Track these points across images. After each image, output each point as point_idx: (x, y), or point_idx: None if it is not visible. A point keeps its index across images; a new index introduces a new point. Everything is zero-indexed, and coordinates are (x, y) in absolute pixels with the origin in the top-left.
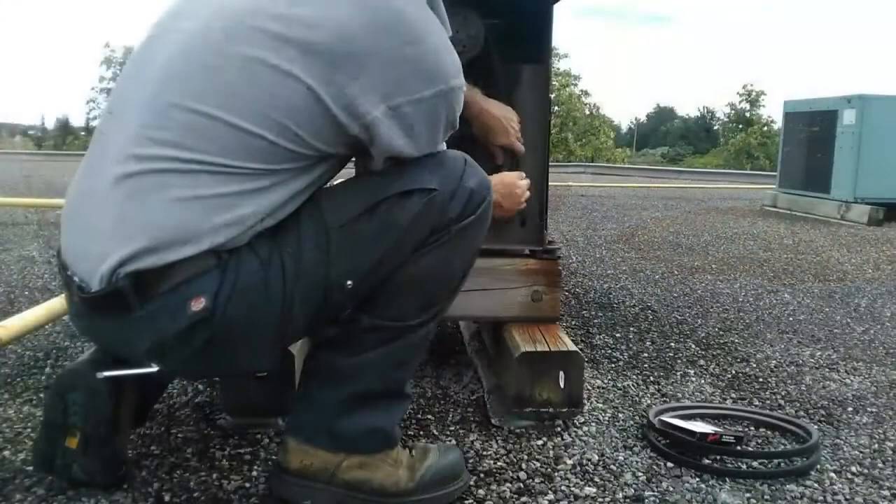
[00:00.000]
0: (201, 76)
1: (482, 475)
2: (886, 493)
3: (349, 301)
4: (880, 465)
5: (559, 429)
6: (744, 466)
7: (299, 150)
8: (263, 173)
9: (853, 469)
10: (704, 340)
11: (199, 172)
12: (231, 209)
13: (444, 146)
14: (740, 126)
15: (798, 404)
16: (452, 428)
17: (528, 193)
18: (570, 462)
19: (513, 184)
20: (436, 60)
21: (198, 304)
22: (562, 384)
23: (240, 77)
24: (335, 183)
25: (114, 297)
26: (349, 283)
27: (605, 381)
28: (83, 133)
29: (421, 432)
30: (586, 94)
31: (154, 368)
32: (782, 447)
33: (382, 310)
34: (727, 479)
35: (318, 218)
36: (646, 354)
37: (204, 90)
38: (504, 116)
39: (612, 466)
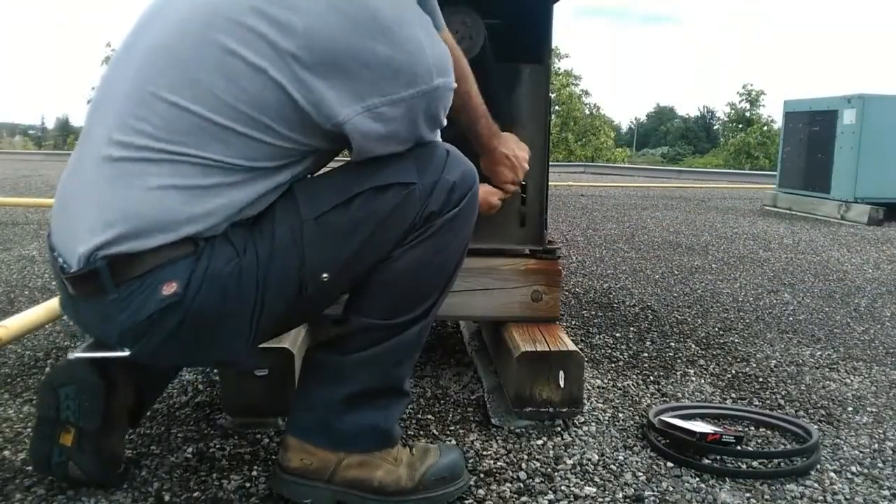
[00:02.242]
0: (177, 67)
1: (482, 475)
2: (886, 492)
3: (328, 295)
4: (880, 465)
5: (559, 429)
6: (744, 466)
7: (279, 144)
8: (243, 168)
9: (853, 469)
10: (704, 340)
11: (178, 163)
12: (209, 199)
13: (437, 137)
14: (740, 126)
15: (798, 404)
16: (452, 428)
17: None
18: (570, 462)
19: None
20: (416, 59)
21: (169, 289)
22: (562, 384)
23: (214, 71)
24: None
25: (91, 279)
26: (325, 275)
27: (605, 380)
28: None
29: (421, 432)
30: (586, 94)
31: (126, 353)
32: (782, 447)
33: (371, 308)
34: (727, 479)
35: (293, 209)
36: (646, 354)
37: (180, 82)
38: (514, 155)
39: (612, 466)
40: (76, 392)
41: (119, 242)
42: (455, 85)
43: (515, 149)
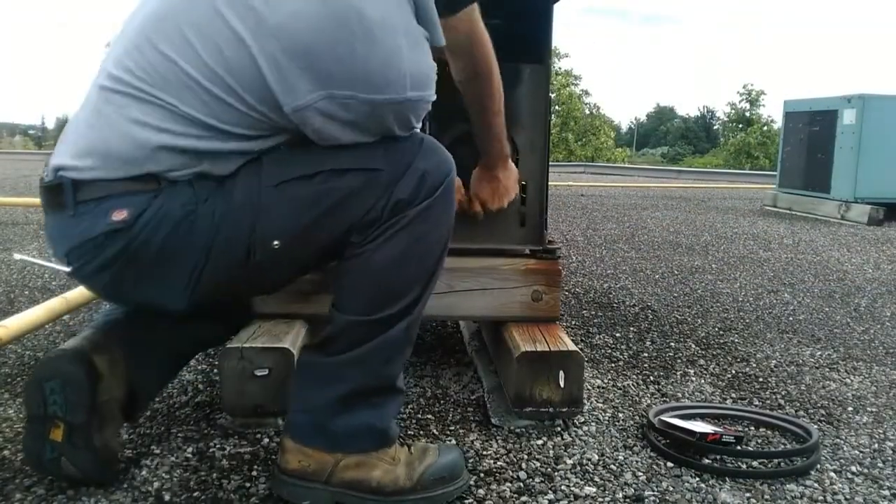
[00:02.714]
0: (171, 21)
1: (482, 475)
2: (886, 492)
3: (280, 267)
4: (880, 464)
5: (559, 428)
6: (744, 466)
7: (250, 114)
8: (215, 129)
9: (853, 469)
10: (704, 340)
11: (157, 106)
12: (177, 140)
13: (415, 131)
14: (740, 126)
15: (798, 404)
16: (452, 428)
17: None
18: (570, 462)
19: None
20: (390, 66)
21: (119, 216)
22: (562, 384)
23: (200, 31)
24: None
25: (56, 192)
26: (276, 242)
27: (605, 380)
28: None
29: (421, 432)
30: (586, 94)
31: (68, 269)
32: (782, 447)
33: (352, 303)
34: (727, 479)
35: (255, 173)
36: (646, 354)
37: (171, 35)
38: (504, 186)
39: (612, 466)
40: (61, 386)
41: (85, 170)
42: (433, 98)
43: (510, 185)
